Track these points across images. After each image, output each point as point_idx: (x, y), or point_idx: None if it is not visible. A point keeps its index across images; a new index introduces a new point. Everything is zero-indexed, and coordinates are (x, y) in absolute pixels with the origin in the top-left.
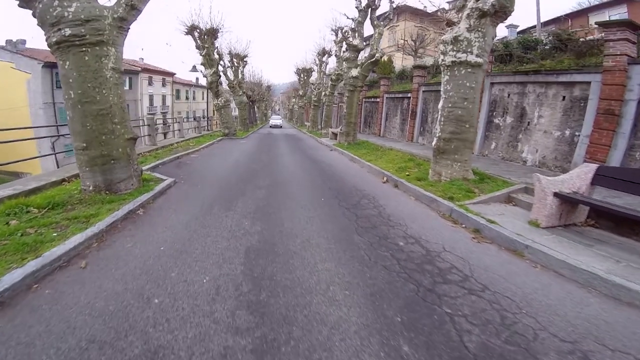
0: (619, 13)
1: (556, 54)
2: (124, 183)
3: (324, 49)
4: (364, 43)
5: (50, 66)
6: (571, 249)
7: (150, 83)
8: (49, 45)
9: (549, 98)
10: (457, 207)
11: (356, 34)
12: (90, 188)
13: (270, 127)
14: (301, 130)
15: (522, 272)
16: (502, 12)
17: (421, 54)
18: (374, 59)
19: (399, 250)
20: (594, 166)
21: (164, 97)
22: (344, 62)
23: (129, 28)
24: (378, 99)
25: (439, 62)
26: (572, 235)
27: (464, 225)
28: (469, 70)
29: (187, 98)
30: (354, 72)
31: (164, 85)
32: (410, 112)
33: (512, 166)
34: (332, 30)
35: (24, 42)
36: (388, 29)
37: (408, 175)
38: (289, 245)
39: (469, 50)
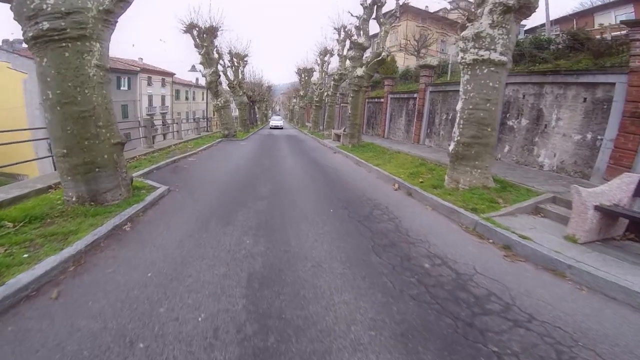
0: (625, 13)
1: (571, 54)
2: (110, 193)
3: (325, 48)
4: (369, 41)
5: None
6: (618, 267)
7: (149, 83)
8: (25, 41)
9: (569, 99)
10: (482, 219)
11: (361, 32)
12: (74, 199)
13: (271, 128)
14: (302, 131)
15: (568, 296)
16: (526, 7)
17: (423, 54)
18: (380, 57)
19: (426, 274)
20: (636, 176)
21: (163, 98)
22: (347, 61)
23: (117, 21)
24: (382, 100)
25: (459, 60)
26: (613, 251)
27: (491, 241)
28: (492, 69)
29: (187, 98)
30: (359, 71)
31: (163, 85)
32: (416, 113)
33: (529, 171)
34: (335, 28)
35: (20, 41)
36: (390, 28)
37: (422, 182)
38: (297, 270)
39: (492, 47)
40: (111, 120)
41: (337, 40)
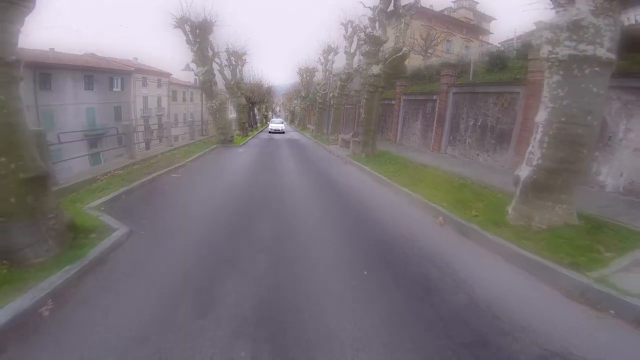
0: None
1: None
2: (32, 249)
3: (329, 46)
4: (386, 35)
5: (32, 67)
6: None
7: (144, 84)
8: None
9: None
10: (595, 282)
11: (376, 24)
12: None
13: (270, 132)
14: (304, 135)
15: None
16: None
17: (430, 53)
18: (400, 53)
19: None
20: None
21: (159, 99)
22: (359, 58)
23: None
24: (393, 102)
25: (544, 55)
26: None
27: (612, 312)
28: (597, 69)
29: (184, 99)
30: (375, 69)
31: (159, 86)
32: (436, 117)
33: (588, 193)
34: (342, 24)
35: None
36: (393, 27)
37: (476, 215)
38: None
39: (598, 41)
40: (21, 142)
41: (344, 36)
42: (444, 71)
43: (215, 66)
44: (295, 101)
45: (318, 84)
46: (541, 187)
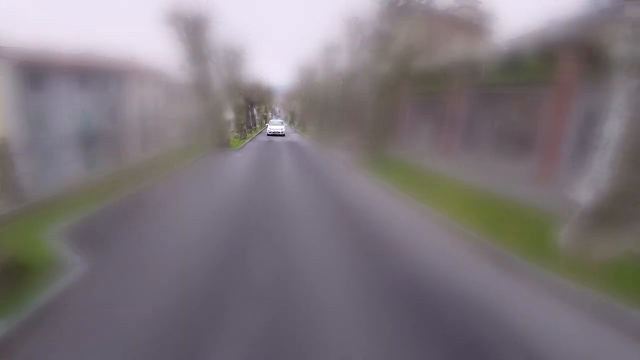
0: None
1: None
2: None
3: (332, 44)
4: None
5: (25, 67)
6: None
7: (141, 84)
8: None
9: None
10: None
11: (386, 20)
12: None
13: (269, 135)
14: (305, 137)
15: None
16: None
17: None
18: (413, 50)
19: None
20: None
21: (157, 100)
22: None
23: None
24: (398, 103)
25: (622, 55)
26: None
27: None
28: None
29: (182, 100)
30: (385, 67)
31: (157, 86)
32: (448, 120)
33: None
34: (345, 20)
35: None
36: (403, 23)
37: (516, 243)
38: None
39: None
40: None
41: (348, 32)
42: (456, 71)
43: (211, 65)
44: (295, 102)
45: (319, 84)
46: (609, 214)
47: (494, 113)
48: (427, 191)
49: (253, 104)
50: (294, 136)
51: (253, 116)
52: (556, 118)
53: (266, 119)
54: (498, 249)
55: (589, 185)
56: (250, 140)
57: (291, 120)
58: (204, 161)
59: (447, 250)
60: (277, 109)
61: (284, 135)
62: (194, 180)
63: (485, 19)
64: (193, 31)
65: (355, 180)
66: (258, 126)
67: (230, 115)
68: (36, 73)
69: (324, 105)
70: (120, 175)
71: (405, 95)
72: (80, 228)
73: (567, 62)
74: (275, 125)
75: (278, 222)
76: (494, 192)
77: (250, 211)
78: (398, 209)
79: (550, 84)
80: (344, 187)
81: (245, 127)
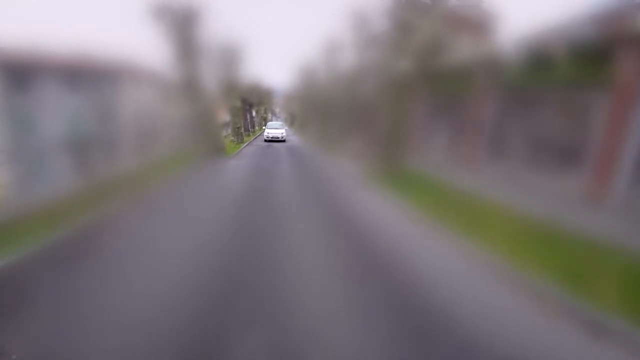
0: None
1: None
2: None
3: (334, 41)
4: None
5: (8, 67)
6: None
7: (134, 84)
8: None
9: None
10: None
11: (404, 7)
12: None
13: (267, 140)
14: (306, 141)
15: None
16: None
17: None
18: (439, 42)
19: None
20: None
21: (152, 101)
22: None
23: None
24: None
25: None
26: None
27: None
28: None
29: (177, 101)
30: (404, 62)
31: (152, 86)
32: (472, 125)
33: None
34: (350, 14)
35: None
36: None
37: (613, 303)
38: None
39: None
40: None
41: (354, 27)
42: (479, 69)
43: (204, 64)
44: (296, 103)
45: (320, 85)
46: None
47: (528, 118)
48: (463, 218)
49: (251, 105)
50: (294, 139)
51: (251, 118)
52: (613, 125)
53: (265, 121)
54: (593, 313)
55: None
56: (248, 144)
57: (291, 121)
58: (192, 171)
59: (523, 317)
60: (277, 110)
61: (284, 141)
62: (173, 203)
63: (490, 18)
64: (181, 25)
65: (370, 201)
66: (257, 128)
67: (226, 118)
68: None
69: (326, 106)
70: (97, 189)
71: (417, 96)
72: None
73: (627, 60)
74: (274, 129)
75: (277, 276)
76: (545, 218)
77: (241, 256)
78: (435, 248)
79: (605, 85)
80: (358, 212)
81: (242, 130)
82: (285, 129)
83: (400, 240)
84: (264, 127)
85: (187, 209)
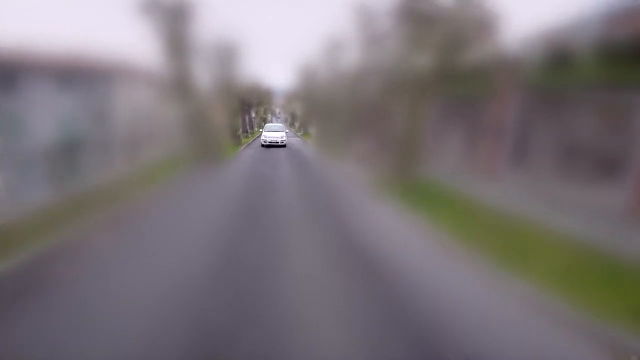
0: None
1: None
2: None
3: (336, 39)
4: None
5: None
6: None
7: (130, 84)
8: None
9: None
10: None
11: None
12: None
13: (264, 145)
14: (306, 143)
15: None
16: None
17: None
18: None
19: None
20: None
21: (148, 101)
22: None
23: None
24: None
25: None
26: None
27: None
28: None
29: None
30: (423, 59)
31: (148, 86)
32: (491, 128)
33: None
34: (355, 9)
35: None
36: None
37: None
38: None
39: None
40: None
41: (359, 23)
42: (501, 67)
43: (199, 62)
44: (296, 104)
45: (322, 84)
46: None
47: (560, 121)
48: (496, 242)
49: (250, 106)
50: (294, 141)
51: (250, 119)
52: None
53: (265, 122)
54: None
55: None
56: (246, 147)
57: (291, 122)
58: (178, 185)
59: None
60: (277, 111)
61: (284, 146)
62: (155, 220)
63: (494, 18)
64: (171, 20)
65: (385, 218)
66: (256, 129)
67: (223, 119)
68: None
69: (328, 107)
70: (71, 203)
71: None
72: None
73: None
74: (272, 132)
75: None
76: (590, 241)
77: (232, 293)
78: (471, 284)
79: None
80: (372, 233)
81: (240, 133)
82: (286, 132)
83: (428, 274)
84: (260, 130)
85: (166, 231)
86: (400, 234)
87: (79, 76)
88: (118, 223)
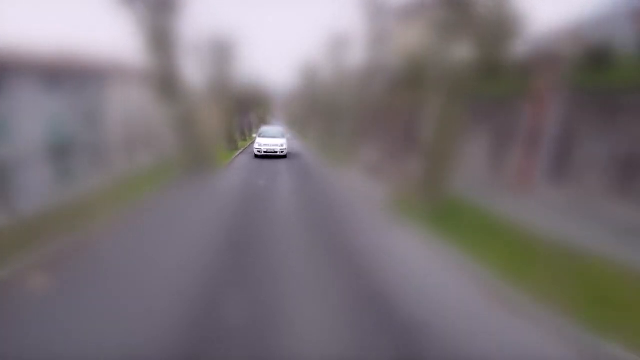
0: None
1: None
2: None
3: (340, 36)
4: None
5: None
6: None
7: (123, 84)
8: None
9: None
10: None
11: None
12: None
13: (259, 155)
14: (308, 147)
15: None
16: None
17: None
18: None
19: None
20: None
21: (142, 102)
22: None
23: None
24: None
25: None
26: None
27: None
28: None
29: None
30: (461, 50)
31: (133, 86)
32: (525, 135)
33: None
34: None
35: None
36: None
37: None
38: None
39: None
40: None
41: (366, 16)
42: (542, 63)
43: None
44: (297, 105)
45: (325, 85)
46: None
47: (615, 130)
48: (573, 290)
49: (248, 107)
50: (294, 145)
51: (248, 122)
52: None
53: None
54: None
55: None
56: (242, 151)
57: (292, 124)
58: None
59: None
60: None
61: (285, 156)
62: (122, 251)
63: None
64: (154, 12)
65: (411, 253)
66: (254, 129)
67: (217, 122)
68: None
69: (331, 109)
70: (48, 218)
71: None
72: None
73: None
74: (269, 138)
75: None
76: None
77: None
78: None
79: None
80: (397, 272)
81: (236, 137)
82: (286, 137)
83: (479, 341)
84: (254, 136)
85: (149, 248)
86: (428, 269)
87: (63, 76)
88: (55, 262)
